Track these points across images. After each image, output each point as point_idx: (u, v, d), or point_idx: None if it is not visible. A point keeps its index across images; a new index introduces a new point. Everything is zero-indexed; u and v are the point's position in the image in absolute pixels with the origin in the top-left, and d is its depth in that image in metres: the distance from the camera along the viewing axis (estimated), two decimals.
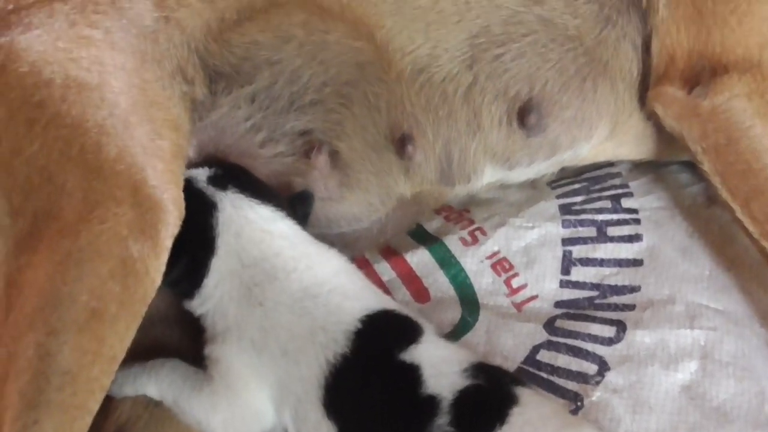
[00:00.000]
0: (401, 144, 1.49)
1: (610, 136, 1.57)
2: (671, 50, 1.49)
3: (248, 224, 1.32)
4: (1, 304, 1.24)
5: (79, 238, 1.20)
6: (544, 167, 1.59)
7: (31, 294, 1.20)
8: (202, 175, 1.37)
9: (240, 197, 1.34)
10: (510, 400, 1.11)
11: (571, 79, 1.52)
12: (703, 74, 1.47)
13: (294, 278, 1.28)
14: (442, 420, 1.11)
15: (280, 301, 1.27)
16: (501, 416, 1.09)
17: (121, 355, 1.22)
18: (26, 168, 1.25)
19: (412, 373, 1.16)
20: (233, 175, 1.38)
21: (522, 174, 1.59)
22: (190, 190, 1.34)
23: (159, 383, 1.32)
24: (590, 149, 1.58)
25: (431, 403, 1.12)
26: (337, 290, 1.27)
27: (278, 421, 1.28)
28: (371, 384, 1.18)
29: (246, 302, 1.28)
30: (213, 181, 1.36)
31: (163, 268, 1.25)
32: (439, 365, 1.17)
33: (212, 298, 1.30)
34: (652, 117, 1.54)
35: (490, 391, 1.13)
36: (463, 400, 1.12)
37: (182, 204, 1.28)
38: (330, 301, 1.26)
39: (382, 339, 1.22)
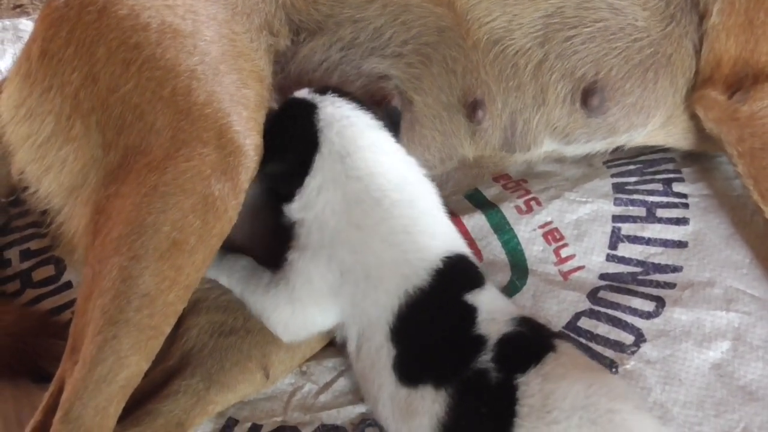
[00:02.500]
0: (472, 108, 1.54)
1: (663, 125, 1.61)
2: (719, 55, 1.53)
3: (350, 125, 1.35)
4: (89, 229, 1.31)
5: (165, 173, 1.26)
6: (599, 146, 1.64)
7: (118, 221, 1.26)
8: (303, 91, 1.41)
9: (339, 99, 1.38)
10: (547, 348, 1.19)
11: (635, 68, 1.56)
12: (745, 81, 1.51)
13: (396, 213, 1.31)
14: (486, 357, 1.19)
15: (376, 229, 1.30)
16: (537, 358, 1.17)
17: (195, 284, 1.28)
18: (121, 105, 1.31)
19: (470, 313, 1.24)
20: (333, 89, 1.41)
21: (577, 150, 1.64)
22: (291, 99, 1.39)
23: (231, 275, 1.39)
24: (644, 135, 1.63)
25: (479, 341, 1.21)
26: (426, 230, 1.31)
27: (340, 335, 1.35)
28: (436, 317, 1.25)
29: (346, 220, 1.31)
30: (313, 90, 1.40)
31: (240, 208, 1.30)
32: (493, 312, 1.24)
33: (314, 207, 1.32)
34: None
35: (531, 338, 1.22)
36: (506, 342, 1.20)
37: (262, 151, 1.33)
38: (419, 239, 1.30)
39: (455, 279, 1.28)
